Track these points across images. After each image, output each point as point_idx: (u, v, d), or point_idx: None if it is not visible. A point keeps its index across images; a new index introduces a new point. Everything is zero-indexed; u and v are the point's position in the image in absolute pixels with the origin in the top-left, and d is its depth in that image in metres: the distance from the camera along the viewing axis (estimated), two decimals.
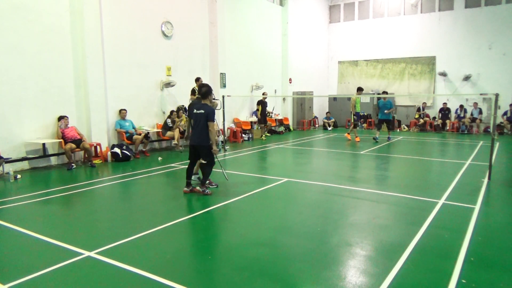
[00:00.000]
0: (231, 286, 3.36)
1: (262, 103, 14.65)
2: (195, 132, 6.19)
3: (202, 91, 6.19)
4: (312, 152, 11.74)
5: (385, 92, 14.33)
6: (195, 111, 6.16)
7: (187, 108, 11.95)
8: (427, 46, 18.76)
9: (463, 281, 3.40)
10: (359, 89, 13.65)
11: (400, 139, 14.21)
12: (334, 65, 21.76)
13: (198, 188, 6.32)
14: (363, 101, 19.59)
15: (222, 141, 11.62)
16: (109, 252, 4.03)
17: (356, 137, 13.64)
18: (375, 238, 4.45)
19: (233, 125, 14.78)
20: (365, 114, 19.49)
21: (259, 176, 8.12)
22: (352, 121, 13.83)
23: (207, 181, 6.50)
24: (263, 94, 15.07)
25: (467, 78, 17.87)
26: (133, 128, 10.67)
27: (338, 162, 9.94)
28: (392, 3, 19.66)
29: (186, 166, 6.61)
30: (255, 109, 15.58)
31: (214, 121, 6.14)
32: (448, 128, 17.41)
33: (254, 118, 15.35)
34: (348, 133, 14.05)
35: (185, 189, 6.44)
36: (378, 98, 19.71)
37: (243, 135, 14.34)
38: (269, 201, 6.13)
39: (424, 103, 18.66)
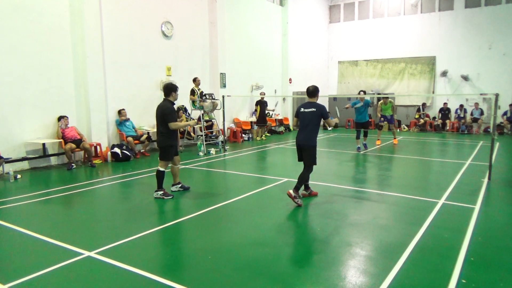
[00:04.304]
0: (231, 286, 3.36)
1: (260, 104, 14.63)
2: (301, 131, 5.91)
3: (310, 90, 6.01)
4: None
5: (363, 92, 11.82)
6: (302, 109, 5.85)
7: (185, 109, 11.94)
8: (427, 46, 18.75)
9: (463, 281, 3.40)
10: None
11: (400, 139, 14.20)
12: (334, 65, 21.75)
13: (291, 192, 5.66)
14: None
15: (222, 141, 11.62)
16: (109, 252, 4.03)
17: (378, 139, 12.97)
18: (375, 238, 4.45)
19: (233, 125, 14.78)
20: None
21: (259, 176, 8.12)
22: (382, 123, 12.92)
23: (162, 192, 6.14)
24: (261, 94, 15.05)
25: (465, 78, 17.88)
26: (133, 128, 10.67)
27: (338, 162, 9.94)
28: (392, 3, 19.66)
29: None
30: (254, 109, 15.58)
31: (329, 118, 6.02)
32: (448, 128, 17.40)
33: (254, 118, 15.34)
34: (395, 138, 13.12)
35: (304, 192, 6.12)
36: (379, 99, 19.74)
37: (243, 135, 14.33)
38: (269, 201, 6.12)
39: (424, 103, 18.64)
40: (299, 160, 6.11)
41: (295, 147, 6.17)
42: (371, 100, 11.91)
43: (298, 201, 5.64)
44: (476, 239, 4.38)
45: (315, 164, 5.96)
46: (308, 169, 5.89)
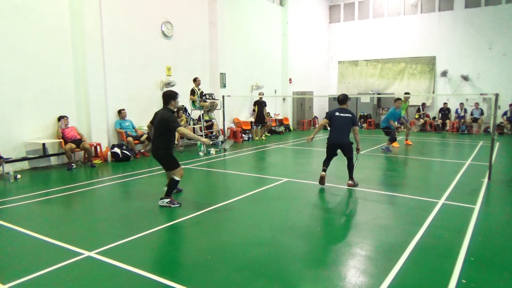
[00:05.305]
0: (231, 286, 3.36)
1: (258, 104, 14.63)
2: (338, 132, 6.80)
3: (341, 98, 6.92)
4: (312, 152, 11.73)
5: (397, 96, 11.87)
6: (338, 114, 6.76)
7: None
8: (427, 46, 18.75)
9: (463, 281, 3.40)
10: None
11: (399, 139, 14.18)
12: (334, 65, 21.75)
13: (350, 182, 6.87)
14: (363, 101, 19.60)
15: (221, 141, 11.62)
16: (109, 252, 4.03)
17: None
18: (375, 238, 4.45)
19: (233, 125, 14.78)
20: (365, 114, 19.50)
21: (259, 176, 8.12)
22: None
23: (169, 200, 5.80)
24: (260, 94, 15.05)
25: (465, 78, 17.88)
26: (133, 128, 10.67)
27: (338, 162, 9.87)
28: (392, 3, 19.66)
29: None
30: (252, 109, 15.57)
31: (358, 125, 7.04)
32: (448, 128, 17.39)
33: (253, 119, 15.34)
34: (407, 139, 12.91)
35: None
36: (379, 99, 19.74)
37: (243, 135, 14.34)
38: (269, 201, 6.12)
39: (424, 103, 18.64)
40: (329, 157, 6.99)
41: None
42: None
43: (357, 184, 6.80)
44: (476, 239, 4.38)
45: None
46: (352, 160, 6.87)
